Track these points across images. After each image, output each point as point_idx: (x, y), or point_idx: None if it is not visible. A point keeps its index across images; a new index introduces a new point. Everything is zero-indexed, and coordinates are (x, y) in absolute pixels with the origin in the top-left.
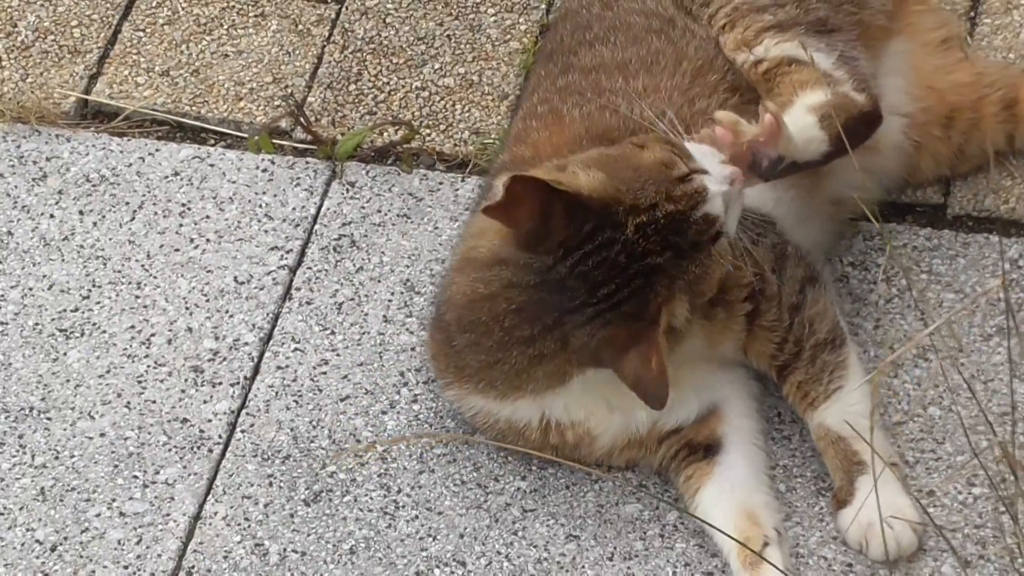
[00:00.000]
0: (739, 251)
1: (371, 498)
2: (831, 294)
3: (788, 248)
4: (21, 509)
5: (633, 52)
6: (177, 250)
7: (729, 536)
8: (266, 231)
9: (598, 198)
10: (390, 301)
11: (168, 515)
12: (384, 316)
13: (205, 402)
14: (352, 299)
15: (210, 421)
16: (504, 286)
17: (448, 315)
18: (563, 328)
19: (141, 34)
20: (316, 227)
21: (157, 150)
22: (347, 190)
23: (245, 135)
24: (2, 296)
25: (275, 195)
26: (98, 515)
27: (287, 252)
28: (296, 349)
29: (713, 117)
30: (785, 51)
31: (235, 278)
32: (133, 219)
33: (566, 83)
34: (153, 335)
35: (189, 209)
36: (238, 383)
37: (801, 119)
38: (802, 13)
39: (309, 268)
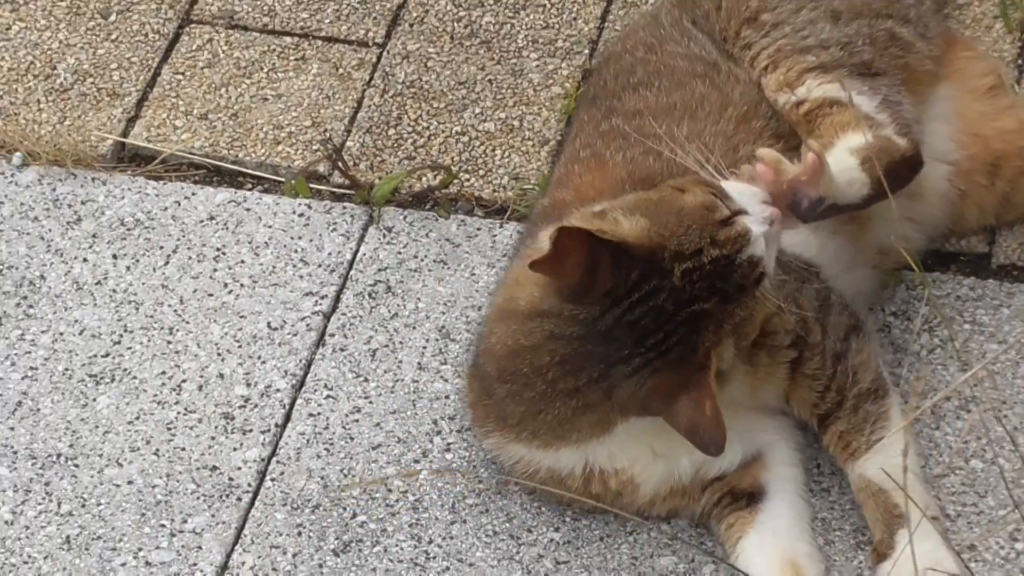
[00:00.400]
0: (782, 293)
1: (401, 548)
2: (875, 344)
3: (832, 295)
4: (46, 558)
5: (678, 97)
6: (211, 295)
7: None
8: (301, 276)
9: (643, 245)
10: (425, 348)
11: (195, 565)
12: (418, 363)
13: (235, 449)
14: (386, 346)
15: (240, 469)
16: (547, 337)
17: (487, 365)
18: (610, 379)
19: (180, 77)
20: (352, 272)
21: (193, 194)
22: (384, 235)
23: (282, 179)
24: (33, 341)
25: (311, 240)
26: (124, 564)
27: (322, 298)
28: (328, 396)
29: (755, 154)
30: (827, 92)
31: (268, 324)
32: (167, 263)
33: (609, 127)
34: (184, 381)
35: (224, 254)
36: (269, 430)
37: (843, 160)
38: (846, 55)
39: (344, 314)
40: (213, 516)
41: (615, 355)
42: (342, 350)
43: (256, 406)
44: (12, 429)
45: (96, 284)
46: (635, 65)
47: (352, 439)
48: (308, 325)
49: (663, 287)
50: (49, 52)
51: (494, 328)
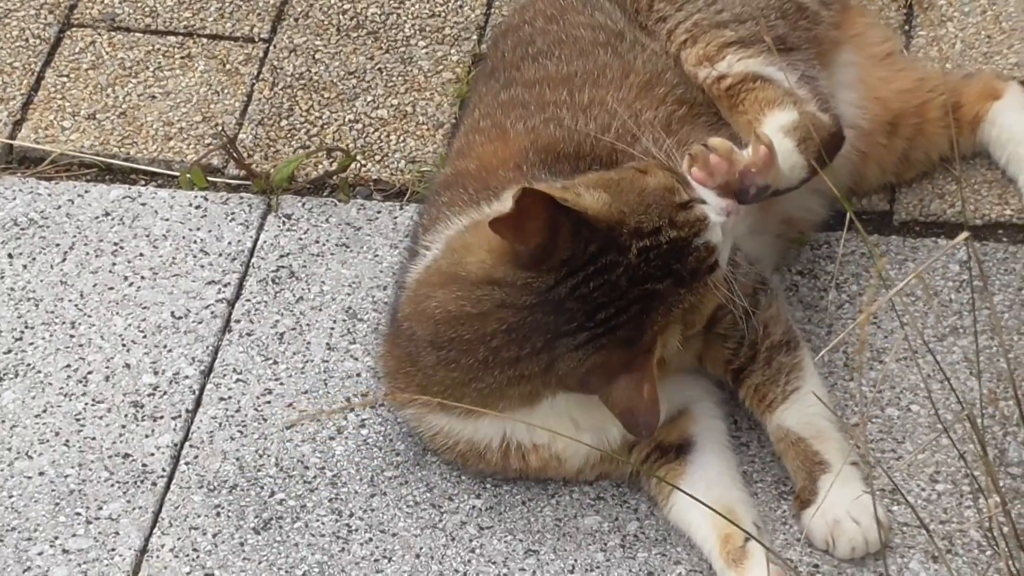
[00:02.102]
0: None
1: (323, 523)
2: (782, 299)
3: (738, 256)
4: None
5: (578, 65)
6: (111, 288)
7: (716, 514)
8: (202, 266)
9: (603, 219)
10: (332, 329)
11: (113, 550)
12: (327, 344)
13: (147, 436)
14: (294, 329)
15: (152, 455)
16: (496, 305)
17: (418, 330)
18: (553, 352)
19: (65, 79)
20: (253, 260)
21: (86, 191)
22: (283, 223)
23: (176, 174)
24: None
25: (210, 230)
26: (40, 554)
27: (225, 286)
28: (238, 380)
29: (708, 144)
30: (749, 67)
31: (172, 313)
32: (64, 260)
33: (509, 97)
34: (90, 373)
35: (122, 248)
36: (180, 416)
37: (781, 145)
38: (754, 33)
39: (248, 300)
40: (129, 502)
41: (563, 327)
42: (249, 335)
43: (165, 393)
44: None
45: None
46: (534, 36)
47: (265, 420)
48: (213, 312)
49: (619, 263)
50: None
51: (433, 293)
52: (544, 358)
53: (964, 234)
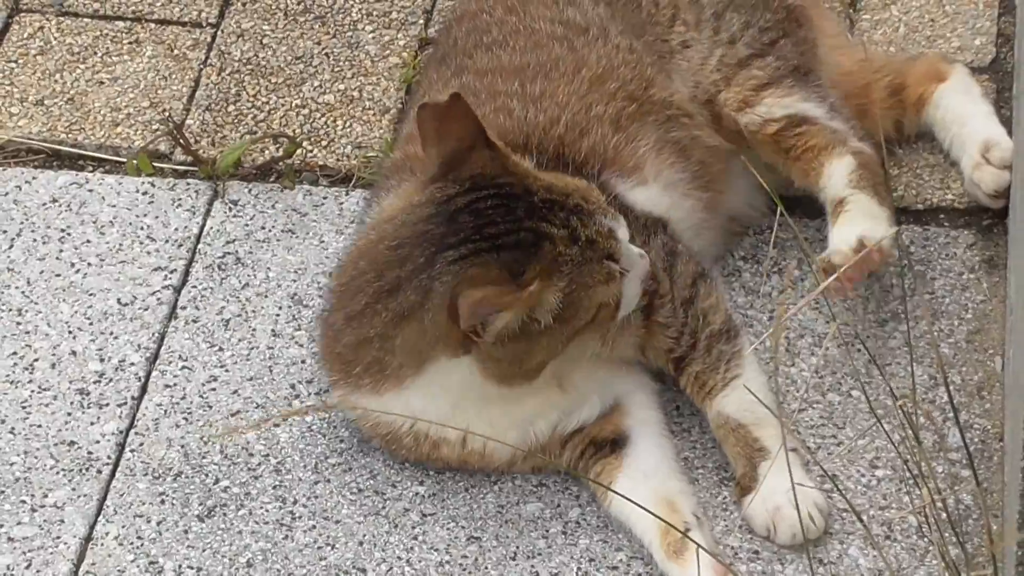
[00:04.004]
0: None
1: (267, 510)
2: (721, 289)
3: (679, 246)
4: None
5: (532, 57)
6: (58, 275)
7: (653, 515)
8: (148, 252)
9: (523, 171)
10: (278, 315)
11: (58, 538)
12: (272, 330)
13: (92, 424)
14: (239, 315)
15: (98, 442)
16: (396, 227)
17: (333, 298)
18: (433, 268)
19: (13, 65)
20: (200, 246)
21: (34, 178)
22: (230, 209)
23: (123, 160)
24: None
25: (156, 217)
26: None
27: (171, 272)
28: (184, 367)
29: (821, 267)
30: (788, 109)
31: (119, 300)
32: (11, 247)
33: (460, 85)
34: (36, 360)
35: (69, 234)
36: (125, 403)
37: (859, 202)
38: (782, 63)
39: (194, 287)
40: (74, 490)
41: (449, 238)
42: (195, 321)
43: (111, 380)
44: None
45: None
46: (491, 25)
47: (210, 407)
48: (159, 299)
49: (522, 197)
50: None
51: (354, 257)
52: (424, 280)
53: (894, 229)
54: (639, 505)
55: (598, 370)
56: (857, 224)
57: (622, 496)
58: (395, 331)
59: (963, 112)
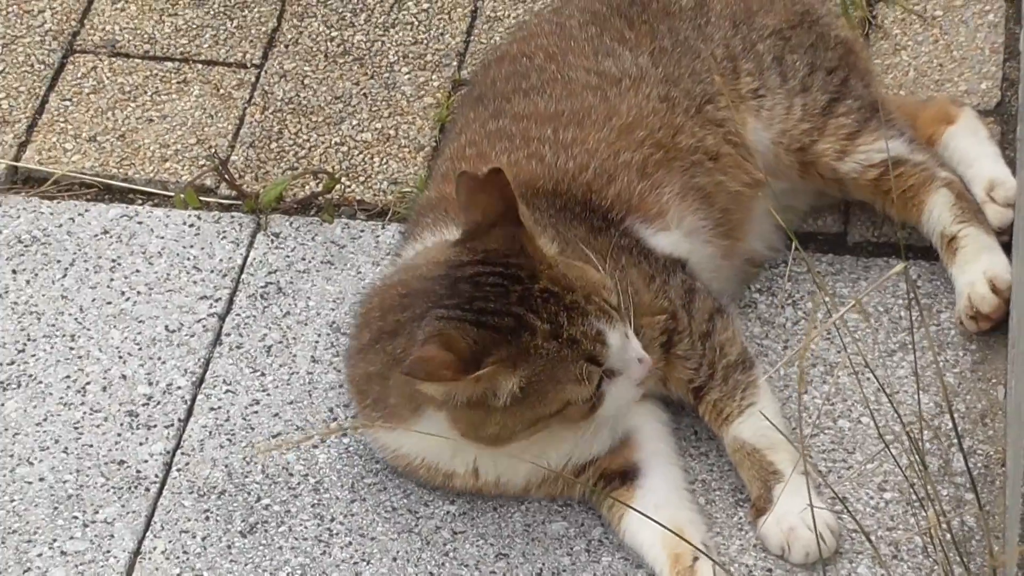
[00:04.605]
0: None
1: (305, 527)
2: (737, 323)
3: (696, 284)
4: None
5: (567, 105)
6: (109, 303)
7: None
8: (195, 282)
9: (538, 254)
10: (317, 342)
11: (108, 552)
12: (312, 356)
13: (141, 444)
14: (280, 342)
15: (146, 462)
16: (412, 277)
17: (354, 317)
18: (424, 319)
19: (68, 103)
20: (243, 276)
21: (87, 210)
22: (272, 240)
23: (171, 194)
24: None
25: (202, 248)
26: (40, 555)
27: (216, 300)
28: (228, 391)
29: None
30: (882, 153)
31: (166, 327)
32: (65, 276)
33: (496, 128)
34: (88, 383)
35: (119, 264)
36: (172, 425)
37: (971, 235)
38: (859, 102)
39: (238, 315)
40: (123, 506)
41: (445, 300)
42: (238, 348)
43: (159, 403)
44: None
45: None
46: (530, 71)
47: (253, 429)
48: (204, 326)
49: (524, 282)
50: None
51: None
52: (416, 327)
53: (900, 266)
54: (652, 519)
55: (647, 421)
56: (980, 261)
57: (637, 511)
58: (390, 372)
59: (970, 153)
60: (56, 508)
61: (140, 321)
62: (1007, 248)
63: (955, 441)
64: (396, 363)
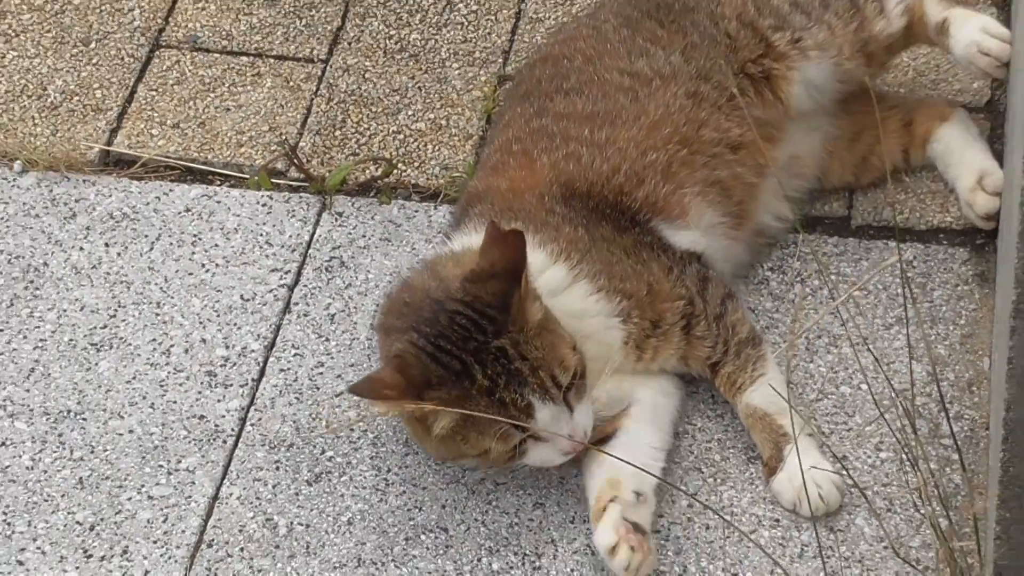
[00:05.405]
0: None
1: (365, 477)
2: (745, 305)
3: (709, 273)
4: (63, 496)
5: (601, 106)
6: (190, 274)
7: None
8: (267, 256)
9: (520, 315)
10: (375, 312)
11: (190, 497)
12: (371, 324)
13: (219, 401)
14: (343, 311)
15: (223, 417)
16: (423, 289)
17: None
18: (405, 334)
19: (154, 93)
20: (310, 251)
21: (171, 190)
22: (336, 219)
23: (246, 176)
24: (41, 317)
25: (274, 225)
26: (129, 499)
27: (286, 273)
28: (296, 354)
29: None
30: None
31: (241, 296)
32: (152, 249)
33: (540, 126)
34: (172, 346)
35: (200, 239)
36: (247, 384)
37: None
38: None
39: (305, 286)
40: (203, 456)
41: (423, 325)
42: (305, 315)
43: (235, 364)
44: (28, 391)
45: (92, 268)
46: (570, 72)
47: (318, 388)
48: (275, 296)
49: (490, 335)
50: (40, 76)
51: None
52: (396, 339)
53: (892, 259)
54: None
55: (624, 381)
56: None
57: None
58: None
59: (961, 147)
60: (144, 457)
61: (218, 291)
62: (995, 233)
63: (945, 407)
64: (384, 359)
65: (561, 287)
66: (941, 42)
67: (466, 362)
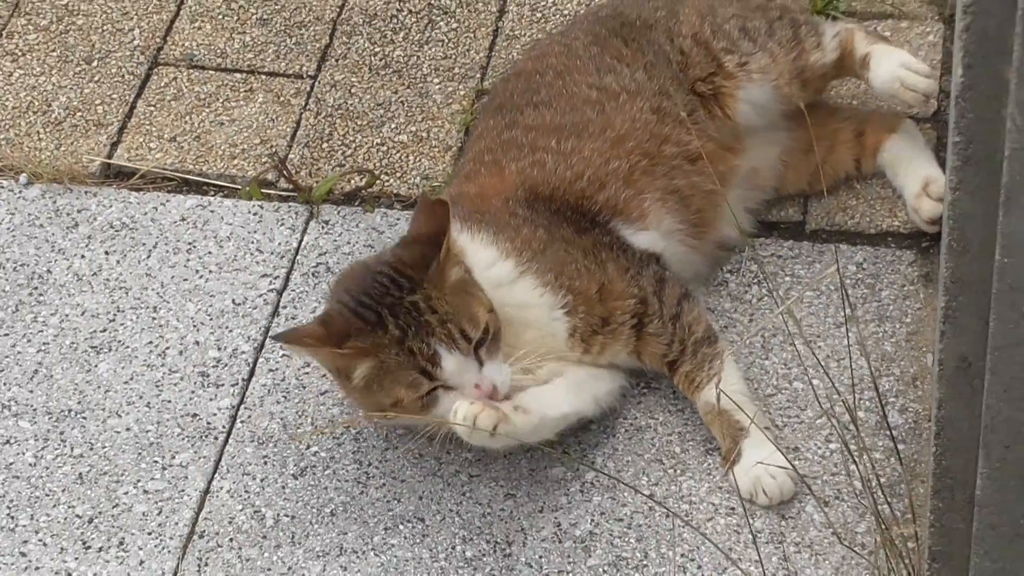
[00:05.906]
0: (627, 275)
1: (347, 471)
2: (702, 305)
3: (666, 274)
4: (63, 491)
5: (569, 119)
6: (185, 280)
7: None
8: (257, 262)
9: (431, 277)
10: None
11: (183, 491)
12: None
13: (211, 400)
14: None
15: (215, 415)
16: (364, 261)
17: None
18: (338, 295)
19: (152, 109)
20: (298, 258)
21: (168, 201)
22: (322, 227)
23: (239, 187)
24: (44, 322)
25: (264, 233)
26: (126, 493)
27: (275, 278)
28: (284, 355)
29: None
30: (835, 28)
31: (233, 300)
32: (149, 256)
33: (510, 137)
34: (167, 348)
35: (194, 247)
36: (237, 384)
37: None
38: (803, 16)
39: (293, 291)
40: (196, 452)
41: (353, 285)
42: (293, 318)
43: (226, 365)
44: (31, 392)
45: (93, 275)
46: (541, 87)
47: (304, 388)
48: (265, 300)
49: (402, 293)
50: (45, 93)
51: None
52: (331, 300)
53: (831, 268)
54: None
55: (580, 371)
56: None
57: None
58: None
59: (909, 156)
60: (140, 454)
61: (211, 295)
62: (939, 237)
63: (881, 402)
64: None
65: (507, 280)
66: (863, 75)
67: (381, 314)
